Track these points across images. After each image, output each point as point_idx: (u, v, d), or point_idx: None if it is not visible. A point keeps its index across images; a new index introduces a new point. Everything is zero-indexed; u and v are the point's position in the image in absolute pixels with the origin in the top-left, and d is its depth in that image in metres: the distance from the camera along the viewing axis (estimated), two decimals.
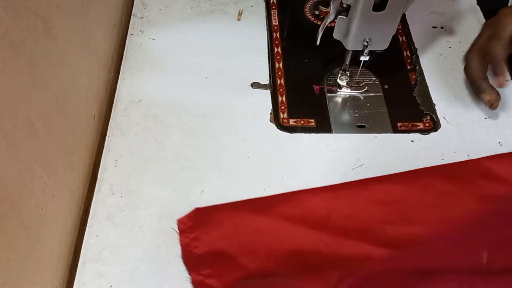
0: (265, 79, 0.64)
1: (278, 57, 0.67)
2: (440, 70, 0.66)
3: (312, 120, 0.60)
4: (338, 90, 0.63)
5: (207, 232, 0.49)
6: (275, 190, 0.54)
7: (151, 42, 0.68)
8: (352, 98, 0.63)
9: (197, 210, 0.51)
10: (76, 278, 0.48)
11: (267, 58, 0.67)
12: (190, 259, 0.48)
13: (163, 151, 0.57)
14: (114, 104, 0.61)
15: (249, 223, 0.50)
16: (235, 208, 0.51)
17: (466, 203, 0.52)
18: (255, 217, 0.50)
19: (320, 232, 0.49)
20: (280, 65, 0.66)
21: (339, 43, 0.59)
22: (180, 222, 0.51)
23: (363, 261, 0.47)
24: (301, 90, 0.64)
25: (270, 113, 0.61)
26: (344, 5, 0.55)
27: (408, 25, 0.71)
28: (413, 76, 0.66)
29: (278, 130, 0.59)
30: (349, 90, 0.63)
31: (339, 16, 0.56)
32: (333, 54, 0.66)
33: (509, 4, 0.66)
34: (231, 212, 0.51)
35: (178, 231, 0.50)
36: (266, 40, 0.69)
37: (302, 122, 0.60)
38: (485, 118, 0.61)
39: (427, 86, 0.64)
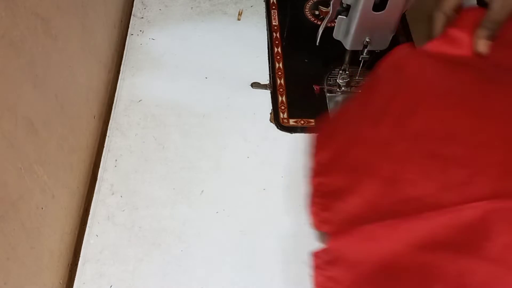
0: (265, 79, 0.65)
1: (278, 57, 0.67)
2: None
3: (312, 120, 0.60)
4: (338, 90, 0.63)
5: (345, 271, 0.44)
6: (275, 190, 0.54)
7: (151, 42, 0.68)
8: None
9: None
10: (76, 278, 0.48)
11: (267, 58, 0.67)
12: None
13: (163, 151, 0.57)
14: (114, 104, 0.61)
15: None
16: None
17: None
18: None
19: None
20: (280, 65, 0.66)
21: (339, 43, 0.59)
22: (316, 256, 0.46)
23: None
24: (301, 90, 0.63)
25: (270, 113, 0.61)
26: (344, 5, 0.55)
27: (408, 25, 0.71)
28: None
29: (278, 130, 0.59)
30: (349, 90, 0.63)
31: (339, 16, 0.56)
32: (333, 54, 0.66)
33: None
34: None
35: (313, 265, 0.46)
36: (266, 40, 0.69)
37: (302, 122, 0.60)
38: None
39: None
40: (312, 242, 0.50)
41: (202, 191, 0.54)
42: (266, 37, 0.70)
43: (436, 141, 0.47)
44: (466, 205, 0.42)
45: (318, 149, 0.53)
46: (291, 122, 0.60)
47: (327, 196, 0.50)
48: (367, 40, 0.56)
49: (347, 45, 0.58)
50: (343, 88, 0.63)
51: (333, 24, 0.57)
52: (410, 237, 0.43)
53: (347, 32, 0.56)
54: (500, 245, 0.40)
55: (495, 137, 0.45)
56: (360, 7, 0.52)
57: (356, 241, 0.45)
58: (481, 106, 0.48)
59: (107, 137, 0.58)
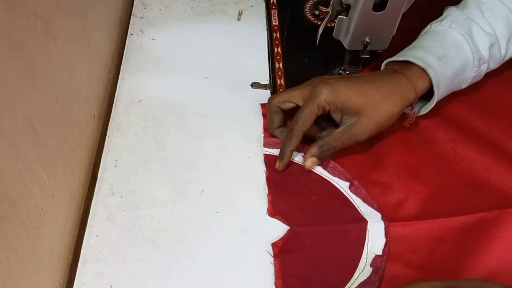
0: (265, 79, 0.64)
1: (278, 57, 0.67)
2: None
3: None
4: None
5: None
6: None
7: (151, 42, 0.68)
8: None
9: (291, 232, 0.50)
10: (76, 278, 0.48)
11: (267, 58, 0.67)
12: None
13: (163, 151, 0.57)
14: (114, 104, 0.61)
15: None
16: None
17: None
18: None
19: None
20: (280, 65, 0.66)
21: (339, 43, 0.59)
22: (275, 245, 0.49)
23: None
24: None
25: None
26: (344, 5, 0.55)
27: None
28: None
29: None
30: None
31: (339, 16, 0.56)
32: (333, 54, 0.66)
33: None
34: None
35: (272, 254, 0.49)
36: (266, 40, 0.69)
37: None
38: None
39: None
40: None
41: (202, 191, 0.54)
42: (266, 37, 0.70)
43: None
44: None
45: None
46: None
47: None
48: (367, 40, 0.56)
49: (347, 45, 0.58)
50: None
51: (333, 24, 0.57)
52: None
53: (347, 32, 0.56)
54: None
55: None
56: (360, 7, 0.52)
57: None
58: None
59: (107, 137, 0.58)
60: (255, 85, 0.64)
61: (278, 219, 0.51)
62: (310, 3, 0.74)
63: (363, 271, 0.47)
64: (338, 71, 0.63)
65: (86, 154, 0.58)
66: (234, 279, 0.48)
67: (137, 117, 0.60)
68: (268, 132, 0.57)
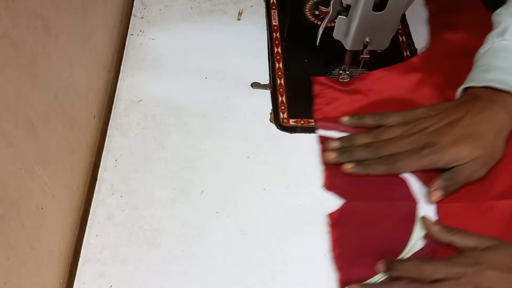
0: (265, 79, 0.64)
1: (278, 57, 0.67)
2: None
3: (312, 120, 0.60)
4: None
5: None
6: (275, 190, 0.54)
7: (151, 42, 0.68)
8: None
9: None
10: (76, 278, 0.48)
11: (267, 58, 0.67)
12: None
13: (163, 151, 0.57)
14: (114, 104, 0.61)
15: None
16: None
17: None
18: None
19: None
20: (280, 65, 0.66)
21: (339, 43, 0.59)
22: (331, 216, 0.52)
23: None
24: (301, 90, 0.63)
25: (270, 113, 0.61)
26: (344, 5, 0.55)
27: (408, 25, 0.71)
28: None
29: (278, 130, 0.59)
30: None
31: (339, 16, 0.56)
32: (333, 54, 0.66)
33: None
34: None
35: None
36: (266, 40, 0.69)
37: (302, 122, 0.60)
38: None
39: None
40: (312, 242, 0.51)
41: (202, 191, 0.54)
42: (266, 37, 0.70)
43: None
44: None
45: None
46: (291, 122, 0.60)
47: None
48: (367, 40, 0.56)
49: (347, 45, 0.58)
50: None
51: (333, 24, 0.57)
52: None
53: (347, 32, 0.56)
54: None
55: None
56: (360, 7, 0.52)
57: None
58: None
59: (107, 137, 0.58)
60: (255, 85, 0.64)
61: (334, 193, 0.54)
62: (310, 3, 0.74)
63: (416, 244, 0.50)
64: (338, 71, 0.63)
65: (86, 154, 0.58)
66: (234, 279, 0.48)
67: (137, 117, 0.60)
68: (319, 112, 0.59)
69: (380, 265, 0.47)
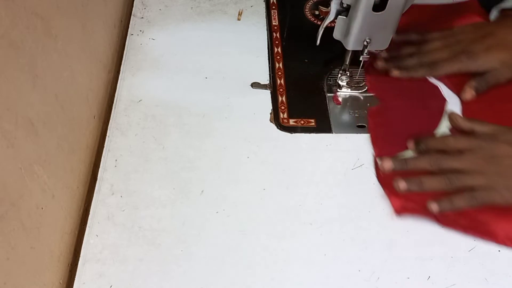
0: (265, 79, 0.65)
1: (278, 57, 0.67)
2: None
3: (312, 120, 0.60)
4: (338, 90, 0.63)
5: None
6: (275, 190, 0.54)
7: (151, 42, 0.68)
8: (352, 98, 0.63)
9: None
10: (76, 278, 0.48)
11: (267, 58, 0.67)
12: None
13: (163, 151, 0.57)
14: (114, 104, 0.61)
15: None
16: None
17: None
18: None
19: None
20: (280, 65, 0.66)
21: (339, 43, 0.59)
22: (370, 110, 0.61)
23: None
24: (301, 90, 0.63)
25: (270, 113, 0.61)
26: (344, 5, 0.55)
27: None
28: None
29: (278, 130, 0.59)
30: (349, 90, 0.63)
31: (339, 16, 0.56)
32: (333, 54, 0.66)
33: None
34: None
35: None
36: (266, 40, 0.69)
37: (302, 122, 0.60)
38: None
39: None
40: (312, 242, 0.51)
41: (202, 191, 0.54)
42: (266, 37, 0.70)
43: None
44: None
45: None
46: (291, 122, 0.60)
47: None
48: (367, 40, 0.56)
49: (347, 45, 0.58)
50: (343, 88, 0.63)
51: (333, 24, 0.57)
52: None
53: (347, 32, 0.56)
54: None
55: None
56: (360, 7, 0.52)
57: None
58: None
59: (107, 137, 0.58)
60: (255, 85, 0.64)
61: (374, 95, 0.63)
62: (310, 3, 0.74)
63: (442, 133, 0.59)
64: (338, 71, 0.63)
65: (86, 154, 0.58)
66: (234, 279, 0.48)
67: (137, 117, 0.60)
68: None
69: (410, 142, 0.56)
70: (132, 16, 0.71)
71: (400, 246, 0.50)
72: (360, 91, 0.63)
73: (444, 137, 0.57)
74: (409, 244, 0.51)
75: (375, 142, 0.58)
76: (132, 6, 0.73)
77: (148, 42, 0.68)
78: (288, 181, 0.55)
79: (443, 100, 0.62)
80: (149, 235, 0.51)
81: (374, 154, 0.57)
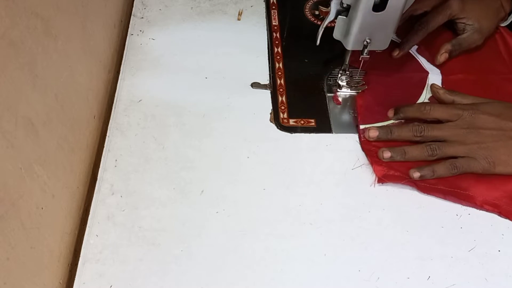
0: (265, 79, 0.65)
1: (278, 57, 0.67)
2: None
3: (312, 120, 0.60)
4: (338, 90, 0.63)
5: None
6: (275, 190, 0.54)
7: (151, 42, 0.68)
8: (352, 98, 0.63)
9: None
10: (76, 278, 0.48)
11: (267, 58, 0.67)
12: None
13: (163, 151, 0.57)
14: (114, 104, 0.61)
15: None
16: None
17: None
18: None
19: None
20: (280, 65, 0.66)
21: (339, 43, 0.59)
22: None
23: None
24: (301, 90, 0.64)
25: (270, 113, 0.61)
26: (344, 5, 0.55)
27: None
28: None
29: (278, 130, 0.59)
30: (349, 90, 0.63)
31: (339, 16, 0.56)
32: (333, 54, 0.66)
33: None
34: None
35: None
36: (266, 40, 0.69)
37: (302, 122, 0.60)
38: None
39: None
40: (312, 242, 0.51)
41: (202, 191, 0.54)
42: (266, 37, 0.70)
43: None
44: None
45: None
46: (291, 122, 0.60)
47: None
48: (367, 40, 0.56)
49: (347, 45, 0.58)
50: (343, 88, 0.63)
51: (333, 24, 0.57)
52: None
53: (347, 32, 0.56)
54: None
55: None
56: (360, 7, 0.52)
57: None
58: None
59: (107, 137, 0.58)
60: (255, 85, 0.64)
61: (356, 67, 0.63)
62: (310, 3, 0.74)
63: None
64: (338, 71, 0.63)
65: (86, 154, 0.58)
66: (234, 279, 0.48)
67: (137, 117, 0.60)
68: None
69: (390, 111, 0.59)
70: (132, 16, 0.71)
71: (400, 246, 0.51)
72: (360, 91, 0.63)
73: (420, 104, 0.59)
74: (409, 244, 0.51)
75: (359, 111, 0.61)
76: (132, 6, 0.73)
77: (148, 42, 0.68)
78: (288, 181, 0.55)
79: (425, 72, 0.65)
80: (149, 235, 0.51)
81: (358, 122, 0.59)
